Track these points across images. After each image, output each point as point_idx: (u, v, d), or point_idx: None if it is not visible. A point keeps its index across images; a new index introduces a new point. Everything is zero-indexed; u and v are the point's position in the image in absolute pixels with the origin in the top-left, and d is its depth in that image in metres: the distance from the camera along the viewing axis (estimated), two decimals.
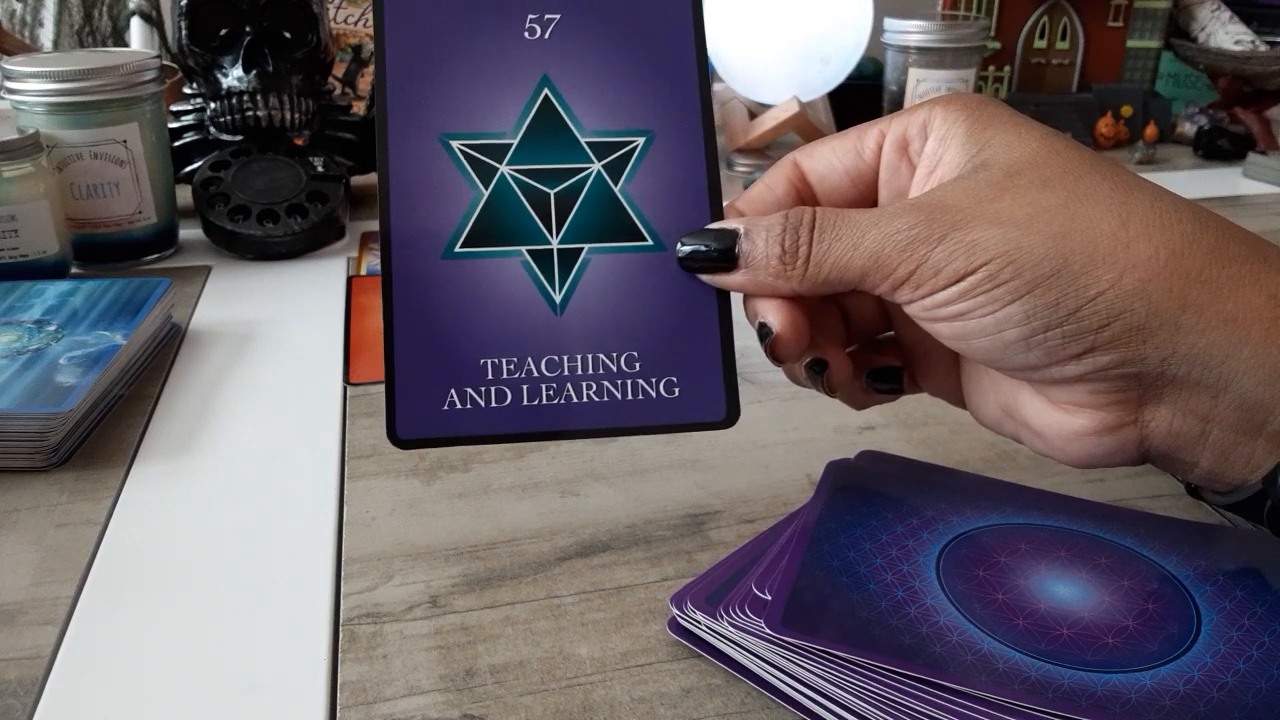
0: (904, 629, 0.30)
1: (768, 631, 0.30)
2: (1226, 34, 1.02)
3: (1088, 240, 0.29)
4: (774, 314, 0.33)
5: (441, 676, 0.32)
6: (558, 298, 0.34)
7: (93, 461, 0.44)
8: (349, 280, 0.66)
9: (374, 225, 0.76)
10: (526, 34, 0.35)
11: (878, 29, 0.94)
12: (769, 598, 0.31)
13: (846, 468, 0.39)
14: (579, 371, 0.34)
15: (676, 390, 0.35)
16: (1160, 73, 1.09)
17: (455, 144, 0.35)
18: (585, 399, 0.34)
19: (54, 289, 0.55)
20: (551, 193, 0.35)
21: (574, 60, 0.35)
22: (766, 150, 0.95)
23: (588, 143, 0.35)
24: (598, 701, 0.31)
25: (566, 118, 0.35)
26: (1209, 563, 0.34)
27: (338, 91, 0.92)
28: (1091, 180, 0.30)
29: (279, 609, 0.35)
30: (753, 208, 0.36)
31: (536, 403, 0.34)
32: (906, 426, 0.47)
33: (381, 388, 0.51)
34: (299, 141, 0.75)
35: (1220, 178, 0.93)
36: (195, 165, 0.74)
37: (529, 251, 0.34)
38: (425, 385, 0.34)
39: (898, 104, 0.94)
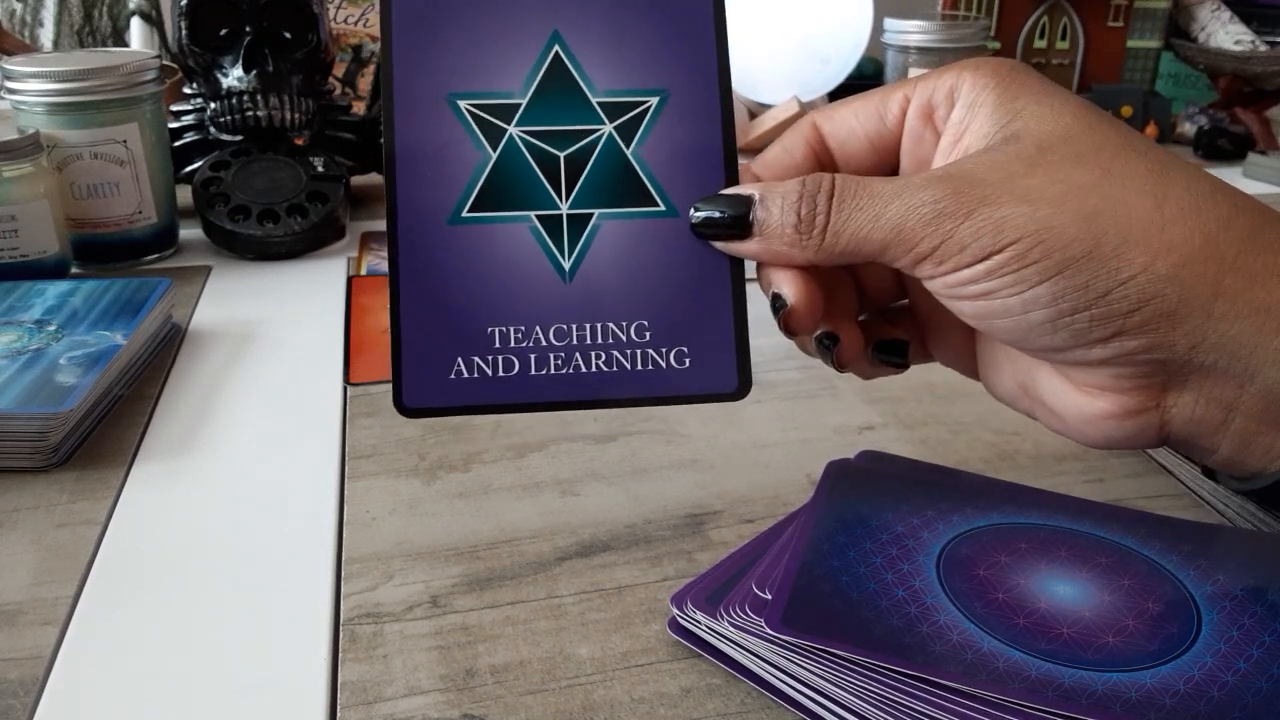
0: (904, 628, 0.30)
1: (768, 631, 0.30)
2: (1226, 34, 1.02)
3: (1121, 221, 0.28)
4: (789, 285, 0.32)
5: (441, 676, 0.32)
6: (567, 265, 0.34)
7: (93, 461, 0.44)
8: (349, 280, 0.66)
9: (374, 226, 0.76)
10: None
11: (878, 29, 0.94)
12: (769, 597, 0.31)
13: (846, 468, 0.39)
14: (588, 341, 0.33)
15: (687, 360, 0.34)
16: (1160, 73, 1.09)
17: (463, 104, 0.33)
18: (594, 369, 0.33)
19: (54, 289, 0.55)
20: (561, 155, 0.34)
21: (586, 15, 0.34)
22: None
23: (599, 103, 0.34)
24: (598, 701, 0.31)
25: (577, 76, 0.34)
26: (1209, 562, 0.34)
27: (338, 91, 0.92)
28: (1127, 158, 0.29)
29: (279, 609, 0.35)
30: (769, 172, 0.35)
31: (544, 372, 0.33)
32: (906, 426, 0.47)
33: (382, 388, 0.51)
34: (299, 141, 0.75)
35: (1220, 178, 0.93)
36: (195, 165, 0.74)
37: (538, 217, 0.33)
38: (432, 354, 0.33)
39: None
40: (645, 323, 0.34)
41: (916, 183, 0.30)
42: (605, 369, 0.33)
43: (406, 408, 0.33)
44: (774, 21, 0.89)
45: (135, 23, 1.08)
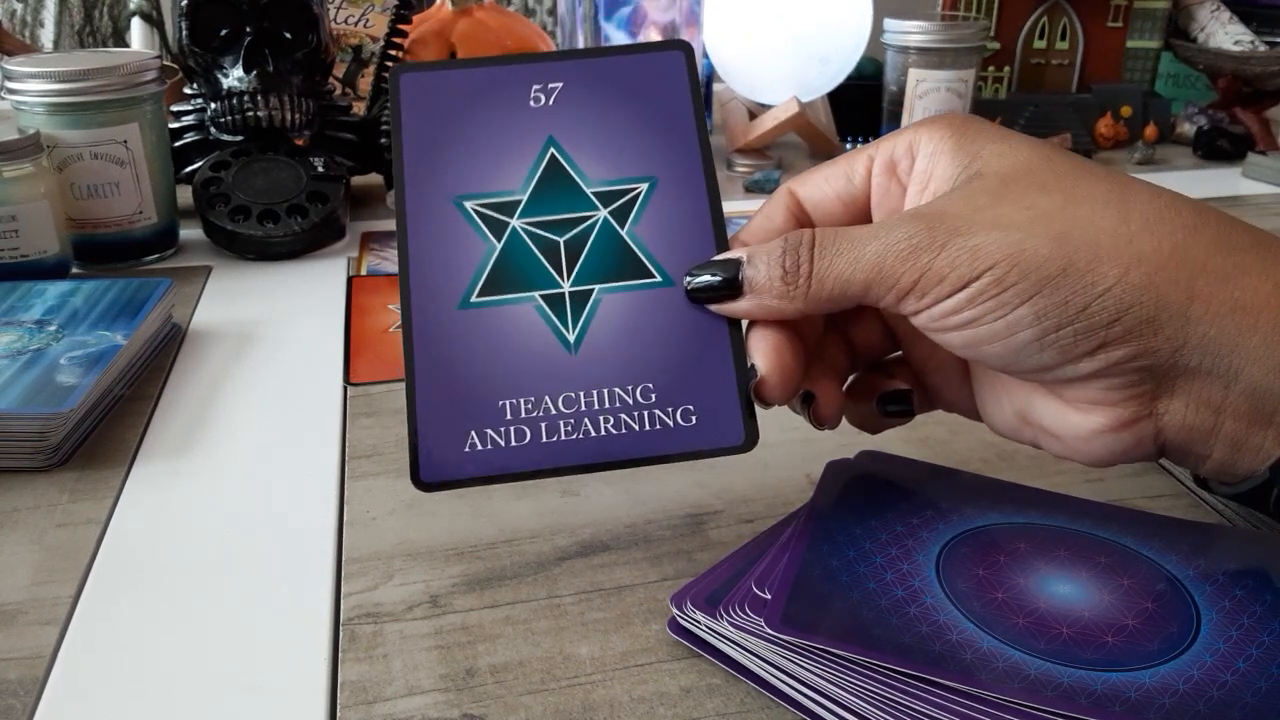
0: (903, 627, 0.30)
1: (767, 631, 0.30)
2: (1226, 34, 1.02)
3: (1090, 238, 0.29)
4: (762, 357, 0.34)
5: (441, 676, 0.32)
6: (571, 337, 0.35)
7: (93, 461, 0.44)
8: (349, 280, 0.66)
9: (374, 226, 0.76)
10: (532, 102, 0.37)
11: (878, 29, 0.94)
12: (769, 597, 0.31)
13: (846, 468, 0.39)
14: (595, 406, 0.35)
15: (694, 418, 0.35)
16: (1160, 73, 1.09)
17: (468, 204, 0.36)
18: (603, 432, 0.35)
19: (54, 289, 0.55)
20: (561, 240, 0.36)
21: (577, 121, 0.37)
22: (766, 150, 0.95)
23: (594, 193, 0.36)
24: (598, 701, 0.31)
25: (572, 172, 0.37)
26: (1208, 562, 0.34)
27: (338, 92, 0.92)
28: (1087, 182, 0.31)
29: (279, 609, 0.35)
30: (755, 238, 0.36)
31: (555, 439, 0.34)
32: (906, 427, 0.47)
33: (381, 388, 0.51)
34: (299, 142, 0.75)
35: (1220, 178, 0.93)
36: (196, 165, 0.73)
37: (542, 296, 0.35)
38: (446, 430, 0.34)
39: (898, 104, 0.94)
40: (650, 385, 0.35)
41: (890, 224, 0.31)
42: (614, 431, 0.35)
43: (424, 483, 0.34)
44: (774, 21, 0.89)
45: (136, 23, 1.08)
